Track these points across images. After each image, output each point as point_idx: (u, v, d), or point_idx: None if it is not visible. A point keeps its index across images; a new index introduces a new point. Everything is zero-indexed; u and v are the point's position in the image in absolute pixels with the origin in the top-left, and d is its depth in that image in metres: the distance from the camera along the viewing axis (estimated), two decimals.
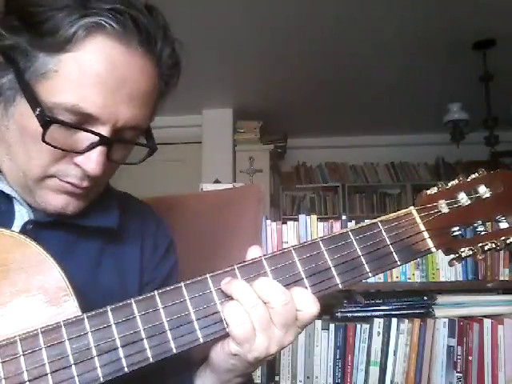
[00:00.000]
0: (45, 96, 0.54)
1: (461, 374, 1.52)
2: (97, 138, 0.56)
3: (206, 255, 0.92)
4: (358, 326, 1.56)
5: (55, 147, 0.55)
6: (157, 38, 0.58)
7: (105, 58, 0.54)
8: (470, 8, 2.65)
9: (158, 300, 0.50)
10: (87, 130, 0.55)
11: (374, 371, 1.54)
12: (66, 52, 0.53)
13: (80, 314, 0.49)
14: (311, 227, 1.69)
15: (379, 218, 0.57)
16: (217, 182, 3.65)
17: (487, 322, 1.54)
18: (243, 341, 0.50)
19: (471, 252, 0.58)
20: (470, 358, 1.52)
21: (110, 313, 0.49)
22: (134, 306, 0.49)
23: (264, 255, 0.54)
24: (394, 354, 1.54)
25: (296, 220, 1.71)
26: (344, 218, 1.71)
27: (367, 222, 0.57)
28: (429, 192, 0.59)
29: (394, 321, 1.55)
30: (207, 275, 0.52)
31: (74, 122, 0.55)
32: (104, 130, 0.56)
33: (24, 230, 0.59)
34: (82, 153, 0.56)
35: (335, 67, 3.42)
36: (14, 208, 0.62)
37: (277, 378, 1.58)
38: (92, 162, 0.56)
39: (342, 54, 3.23)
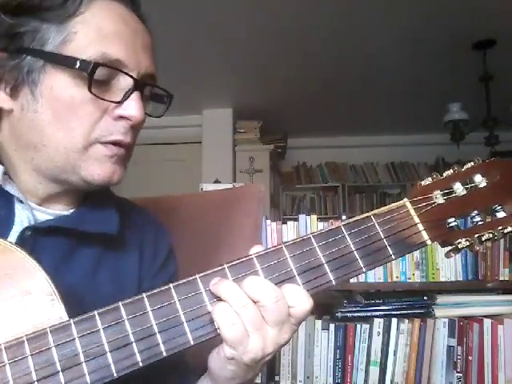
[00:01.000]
0: (73, 56, 0.56)
1: (461, 374, 1.52)
2: (130, 85, 0.58)
3: (206, 255, 0.92)
4: (358, 325, 1.56)
5: (100, 98, 0.57)
6: (140, 8, 0.64)
7: (115, 14, 0.59)
8: (470, 8, 2.65)
9: (146, 302, 0.49)
10: (123, 72, 0.58)
11: (374, 371, 1.54)
12: (78, 15, 0.57)
13: (67, 319, 0.48)
14: (311, 227, 1.69)
15: (372, 212, 0.55)
16: (217, 182, 3.65)
17: (487, 322, 1.54)
18: (236, 343, 0.49)
19: (468, 243, 0.56)
20: (470, 357, 1.52)
21: (97, 317, 0.47)
22: (121, 309, 0.48)
23: (255, 253, 0.52)
24: (394, 354, 1.54)
25: (296, 220, 1.72)
26: (344, 218, 1.71)
27: (360, 215, 0.56)
28: (423, 183, 0.57)
29: (394, 321, 1.55)
30: (196, 276, 0.50)
31: (106, 72, 0.57)
32: (133, 75, 0.59)
33: (22, 236, 0.58)
34: (121, 102, 0.58)
35: (335, 67, 3.42)
36: (15, 214, 0.61)
37: (277, 378, 1.58)
38: (133, 106, 0.59)
39: (342, 54, 3.24)
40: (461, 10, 2.68)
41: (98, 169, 0.60)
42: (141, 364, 0.47)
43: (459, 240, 0.56)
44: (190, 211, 1.00)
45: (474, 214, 0.57)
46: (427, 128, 4.42)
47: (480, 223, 0.57)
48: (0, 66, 0.58)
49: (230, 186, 2.76)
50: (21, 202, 0.61)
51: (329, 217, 4.51)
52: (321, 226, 1.70)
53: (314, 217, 1.71)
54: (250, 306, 0.49)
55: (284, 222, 1.73)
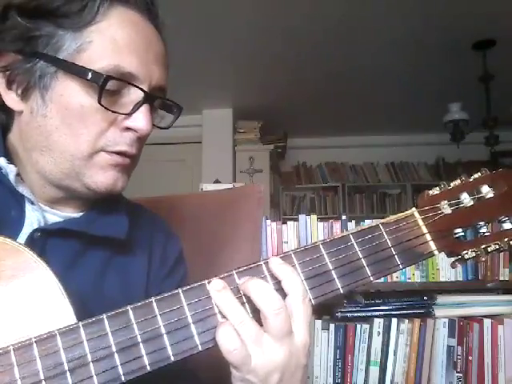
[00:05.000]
0: (86, 66, 0.56)
1: (461, 374, 1.52)
2: (140, 97, 0.59)
3: (206, 255, 0.92)
4: (358, 326, 1.56)
5: (109, 110, 0.57)
6: (157, 18, 0.64)
7: (130, 24, 0.59)
8: (470, 8, 2.65)
9: (155, 306, 0.49)
10: (134, 85, 0.58)
11: (374, 371, 1.54)
12: (94, 24, 0.57)
13: (75, 321, 0.48)
14: (311, 227, 1.69)
15: (380, 221, 0.56)
16: (217, 182, 3.65)
17: (487, 322, 1.54)
18: (240, 365, 0.49)
19: (474, 254, 0.57)
20: (470, 357, 1.52)
21: (106, 320, 0.47)
22: (130, 313, 0.48)
23: (263, 259, 0.53)
24: (394, 354, 1.54)
25: (296, 220, 1.71)
26: (344, 218, 1.71)
27: (368, 223, 0.56)
28: (431, 193, 0.58)
29: (394, 321, 1.54)
30: (205, 281, 0.51)
31: (117, 84, 0.58)
32: (144, 88, 0.59)
33: (32, 238, 0.58)
34: (130, 114, 0.59)
35: (335, 67, 3.42)
36: (25, 215, 0.61)
37: None
38: (141, 119, 0.59)
39: (342, 55, 3.24)
40: (461, 11, 2.68)
41: (101, 176, 0.60)
42: (148, 368, 0.47)
43: (466, 251, 0.57)
44: (191, 211, 1.00)
45: (480, 225, 0.58)
46: (427, 128, 4.42)
47: (486, 234, 0.57)
48: (14, 68, 0.58)
49: (230, 186, 2.75)
50: (32, 203, 0.61)
51: (329, 217, 4.49)
52: (321, 226, 1.70)
53: (314, 217, 1.71)
54: (248, 323, 0.49)
55: (284, 222, 1.73)
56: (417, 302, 1.59)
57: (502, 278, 1.66)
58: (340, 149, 4.90)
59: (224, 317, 0.50)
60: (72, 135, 0.58)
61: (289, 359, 0.50)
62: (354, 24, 2.85)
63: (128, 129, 0.59)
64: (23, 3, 0.57)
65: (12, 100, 0.60)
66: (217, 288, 0.50)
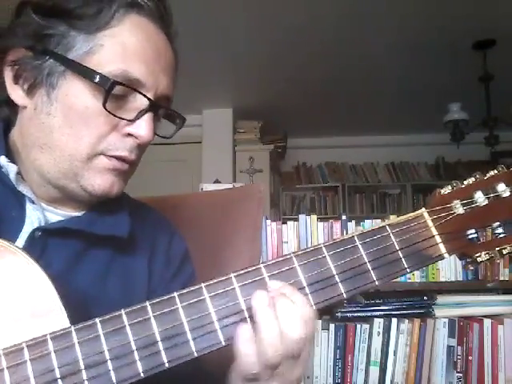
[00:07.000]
0: (95, 69, 0.56)
1: (461, 374, 1.52)
2: (145, 105, 0.59)
3: (206, 255, 0.92)
4: (358, 326, 1.56)
5: (113, 114, 0.57)
6: (171, 26, 0.65)
7: (143, 32, 0.59)
8: (470, 8, 2.65)
9: (149, 310, 0.47)
10: (140, 92, 0.58)
11: (374, 371, 1.54)
12: (108, 29, 0.57)
13: (69, 325, 0.47)
14: (311, 227, 1.69)
15: (388, 222, 0.53)
16: (217, 182, 3.65)
17: (487, 322, 1.54)
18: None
19: (488, 256, 0.53)
20: (470, 357, 1.52)
21: (99, 324, 0.46)
22: (124, 317, 0.47)
23: (263, 262, 0.51)
24: (394, 354, 1.54)
25: (296, 220, 1.71)
26: (344, 218, 1.71)
27: (368, 223, 0.54)
28: (442, 191, 0.54)
29: (394, 321, 1.54)
30: (202, 285, 0.49)
31: (123, 90, 0.58)
32: (149, 96, 0.60)
33: (32, 237, 0.58)
34: (133, 121, 0.59)
35: (336, 67, 3.42)
36: (26, 214, 0.61)
37: None
38: (144, 127, 0.59)
39: (342, 54, 3.24)
40: (461, 11, 2.68)
41: (98, 179, 0.60)
42: (142, 374, 0.46)
43: (479, 253, 0.54)
44: (191, 211, 1.00)
45: (495, 226, 0.54)
46: (427, 128, 4.42)
47: (502, 236, 0.54)
48: (23, 63, 0.59)
49: (230, 186, 2.75)
50: (32, 202, 0.61)
51: (329, 217, 4.48)
52: (321, 226, 1.70)
53: (314, 217, 1.71)
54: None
55: (284, 222, 1.73)
56: (417, 302, 1.59)
57: (502, 278, 1.66)
58: (340, 149, 4.90)
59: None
60: (73, 135, 0.58)
61: None
62: (353, 24, 2.85)
63: (129, 135, 0.59)
64: (40, 1, 0.58)
65: (17, 95, 0.60)
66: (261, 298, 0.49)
